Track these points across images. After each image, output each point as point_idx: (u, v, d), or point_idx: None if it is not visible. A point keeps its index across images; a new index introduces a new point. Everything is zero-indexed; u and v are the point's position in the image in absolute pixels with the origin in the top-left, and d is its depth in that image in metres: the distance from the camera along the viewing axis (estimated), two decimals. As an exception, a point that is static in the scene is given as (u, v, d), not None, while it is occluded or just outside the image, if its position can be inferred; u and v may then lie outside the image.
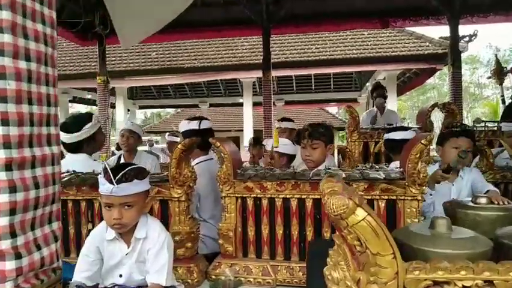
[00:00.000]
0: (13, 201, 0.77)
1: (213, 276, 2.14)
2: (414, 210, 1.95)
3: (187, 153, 2.10)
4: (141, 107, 16.33)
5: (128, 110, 14.53)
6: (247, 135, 8.58)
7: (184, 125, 2.73)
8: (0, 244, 0.75)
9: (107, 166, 1.57)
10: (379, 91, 5.37)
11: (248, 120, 11.65)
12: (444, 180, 2.31)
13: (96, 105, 6.60)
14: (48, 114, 0.84)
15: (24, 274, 0.75)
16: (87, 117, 2.69)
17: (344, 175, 2.02)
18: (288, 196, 2.08)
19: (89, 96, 13.20)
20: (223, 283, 2.02)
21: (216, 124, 18.93)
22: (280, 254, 2.14)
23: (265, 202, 2.12)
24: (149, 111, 31.34)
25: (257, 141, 4.41)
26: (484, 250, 1.01)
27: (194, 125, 2.69)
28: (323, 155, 2.54)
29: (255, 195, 2.12)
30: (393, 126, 4.13)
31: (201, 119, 2.74)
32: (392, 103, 9.77)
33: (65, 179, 2.21)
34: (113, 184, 1.53)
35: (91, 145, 2.64)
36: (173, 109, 21.51)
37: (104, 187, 1.56)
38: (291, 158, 3.01)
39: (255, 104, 11.80)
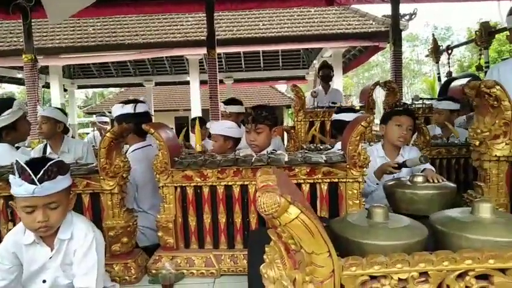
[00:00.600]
0: None
1: (153, 271, 2.02)
2: (356, 192, 1.95)
3: (118, 141, 1.92)
4: (80, 87, 15.26)
5: (65, 90, 13.53)
6: (196, 115, 8.33)
7: (118, 109, 2.51)
8: None
9: (22, 164, 1.36)
10: (325, 71, 5.39)
11: (196, 99, 11.32)
12: (393, 174, 2.33)
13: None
14: None
15: None
16: (8, 102, 2.39)
17: (286, 159, 1.96)
18: (230, 183, 1.99)
19: (19, 75, 12.05)
20: (163, 277, 1.91)
21: (163, 103, 18.40)
22: (224, 243, 2.07)
23: (206, 190, 2.02)
24: (90, 91, 29.50)
25: (201, 122, 4.23)
26: (420, 239, 0.99)
27: (129, 108, 2.47)
28: (268, 139, 2.47)
29: (195, 184, 2.01)
30: (337, 105, 4.17)
31: (136, 102, 2.52)
32: (338, 80, 9.96)
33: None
34: (35, 184, 1.34)
35: (11, 135, 2.36)
36: (117, 88, 20.41)
37: (22, 188, 1.36)
38: (237, 141, 2.90)
39: (202, 82, 11.47)
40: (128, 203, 2.31)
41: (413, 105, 4.16)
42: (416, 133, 2.97)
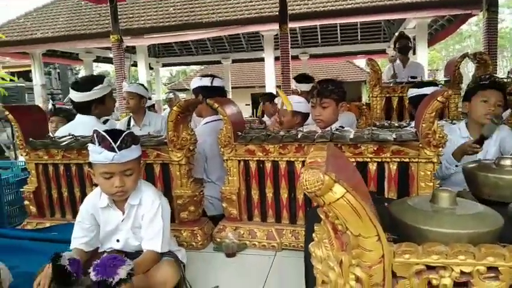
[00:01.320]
0: None
1: (218, 240, 2.11)
2: (429, 173, 1.79)
3: (185, 115, 1.99)
4: (164, 65, 16.19)
5: (151, 68, 14.46)
6: (270, 91, 8.30)
7: (196, 82, 2.62)
8: None
9: (103, 133, 1.48)
10: (402, 41, 4.95)
11: (270, 75, 11.28)
12: (476, 153, 2.09)
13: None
14: None
15: None
16: (99, 78, 2.62)
17: (351, 136, 1.86)
18: (292, 159, 1.97)
19: (111, 55, 13.15)
20: (226, 246, 1.99)
21: (240, 80, 18.74)
22: (286, 218, 2.07)
23: (268, 165, 2.02)
24: (174, 69, 31.22)
25: (270, 97, 4.22)
26: (491, 229, 0.87)
27: (206, 81, 2.57)
28: (334, 114, 2.37)
29: (257, 158, 2.02)
30: (417, 80, 3.84)
31: (213, 76, 2.61)
32: (423, 54, 9.14)
33: (65, 143, 2.18)
34: (115, 151, 1.46)
35: (99, 108, 2.58)
36: (198, 66, 21.25)
37: (102, 155, 1.48)
38: (305, 116, 2.83)
39: (277, 59, 11.40)
40: (197, 173, 2.42)
41: (508, 79, 3.65)
42: (510, 110, 2.62)
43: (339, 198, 0.75)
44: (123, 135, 1.50)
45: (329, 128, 2.07)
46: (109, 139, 1.46)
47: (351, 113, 3.16)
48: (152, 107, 4.22)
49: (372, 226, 0.77)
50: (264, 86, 12.39)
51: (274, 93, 5.11)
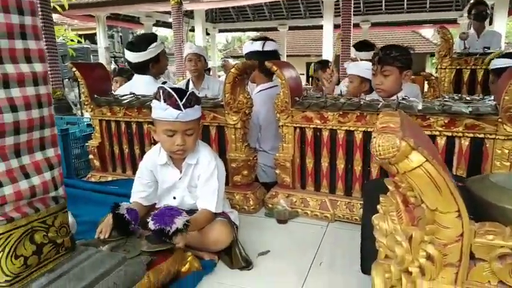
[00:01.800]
0: None
1: (269, 205, 2.10)
2: (507, 152, 1.62)
3: (242, 78, 1.95)
4: (221, 31, 16.19)
5: (208, 34, 14.53)
6: (326, 59, 8.00)
7: (248, 46, 2.54)
8: None
9: (169, 90, 1.49)
10: (478, 7, 4.45)
11: (328, 44, 10.86)
12: None
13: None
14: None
15: (10, 203, 0.70)
16: (152, 37, 2.65)
17: (420, 107, 1.72)
18: (351, 128, 1.87)
19: (170, 20, 13.36)
20: (278, 213, 1.98)
21: (295, 48, 18.28)
22: (341, 189, 2.01)
23: (325, 134, 1.94)
24: (230, 36, 31.16)
25: (325, 64, 4.03)
26: None
27: (257, 46, 2.47)
28: (396, 83, 2.20)
29: (314, 126, 1.94)
30: (493, 51, 3.46)
31: (265, 39, 2.50)
32: (501, 24, 8.25)
33: (126, 101, 2.25)
34: (180, 109, 1.47)
35: (156, 67, 2.63)
36: (254, 33, 21.02)
37: (167, 112, 1.49)
38: (374, 85, 2.67)
39: (336, 26, 10.90)
40: (251, 142, 2.41)
41: None
42: None
43: (417, 167, 0.68)
44: (188, 93, 1.50)
45: (394, 97, 1.93)
46: (175, 96, 1.47)
47: (416, 85, 2.94)
48: (208, 71, 4.24)
49: (453, 201, 0.69)
50: (321, 55, 12.00)
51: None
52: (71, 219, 1.60)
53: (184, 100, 1.47)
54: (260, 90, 2.55)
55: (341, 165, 1.96)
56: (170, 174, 1.68)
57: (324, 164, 2.00)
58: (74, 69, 2.27)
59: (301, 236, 1.84)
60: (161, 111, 1.51)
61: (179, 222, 1.31)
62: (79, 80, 2.31)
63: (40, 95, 0.78)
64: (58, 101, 4.04)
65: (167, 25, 15.11)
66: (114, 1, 10.35)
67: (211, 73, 5.33)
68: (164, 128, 1.55)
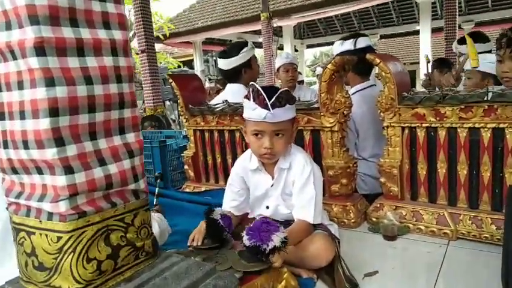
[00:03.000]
0: (52, 98, 0.57)
1: (373, 219, 1.84)
2: None
3: (340, 75, 1.76)
4: (308, 46, 16.15)
5: (296, 50, 14.59)
6: (424, 69, 7.29)
7: (337, 48, 2.33)
8: (44, 153, 0.58)
9: (259, 88, 1.39)
10: None
11: (426, 49, 10.03)
12: None
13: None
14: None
15: (82, 194, 0.59)
16: (243, 43, 2.63)
17: None
18: (477, 125, 1.54)
19: (260, 40, 13.76)
20: (385, 227, 1.71)
21: (389, 58, 17.32)
22: (464, 200, 1.67)
23: (442, 133, 1.63)
24: (318, 51, 31.01)
25: (444, 64, 3.56)
26: None
27: (348, 45, 2.25)
28: (534, 69, 1.78)
29: (427, 125, 1.65)
30: None
31: (356, 36, 2.28)
32: None
33: (219, 109, 2.21)
34: (268, 109, 1.35)
35: (248, 72, 2.58)
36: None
37: (255, 112, 1.38)
38: (496, 82, 2.26)
39: (433, 31, 10.01)
40: (347, 143, 2.18)
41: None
42: None
43: None
44: (278, 92, 1.37)
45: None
46: (264, 95, 1.35)
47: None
48: (301, 83, 4.15)
49: None
50: (417, 62, 11.13)
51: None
52: (164, 223, 1.57)
53: (273, 99, 1.34)
54: (354, 92, 2.31)
55: (463, 171, 1.63)
56: (262, 180, 1.55)
57: (441, 170, 1.68)
58: (170, 80, 2.33)
59: (415, 256, 1.55)
60: (249, 110, 1.41)
61: (276, 239, 1.16)
62: (174, 90, 2.36)
63: (119, 67, 0.67)
64: (162, 117, 4.33)
65: (258, 45, 15.58)
66: (209, 26, 11.08)
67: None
68: (252, 128, 1.44)
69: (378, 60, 1.67)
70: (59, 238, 0.57)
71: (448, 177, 1.68)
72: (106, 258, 0.60)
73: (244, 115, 1.46)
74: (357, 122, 2.22)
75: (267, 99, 1.34)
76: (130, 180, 0.63)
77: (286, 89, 1.44)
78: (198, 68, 12.60)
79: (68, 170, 0.58)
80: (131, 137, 0.65)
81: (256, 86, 1.40)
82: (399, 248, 1.63)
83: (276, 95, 1.35)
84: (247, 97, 1.42)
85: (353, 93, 2.32)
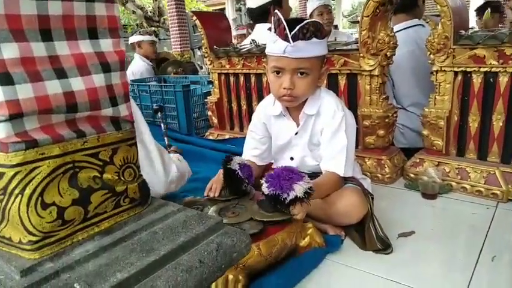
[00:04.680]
0: None
1: (411, 175, 1.67)
2: None
3: (385, 9, 1.50)
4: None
5: (334, -2, 13.68)
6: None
7: None
8: None
9: (280, 16, 1.18)
10: None
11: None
12: None
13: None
14: None
15: (31, 114, 0.43)
16: None
17: None
18: (550, 70, 1.28)
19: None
20: (424, 185, 1.54)
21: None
22: (520, 159, 1.45)
23: (504, 79, 1.39)
24: (356, 1, 29.04)
25: (495, 8, 3.19)
26: None
27: None
28: None
29: (487, 69, 1.40)
30: None
31: None
32: None
33: (245, 49, 2.02)
34: (288, 41, 1.14)
35: (279, 11, 2.34)
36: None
37: (275, 45, 1.19)
38: None
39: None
40: (386, 90, 1.96)
41: None
42: None
43: None
44: (303, 23, 1.14)
45: None
46: (284, 24, 1.14)
47: None
48: (336, 27, 3.82)
49: None
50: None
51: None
52: (183, 164, 1.44)
53: (295, 30, 1.12)
54: (397, 31, 2.01)
55: (524, 124, 1.40)
56: (286, 127, 1.37)
57: (497, 123, 1.46)
58: (194, 17, 2.13)
59: (458, 217, 1.38)
60: (271, 43, 1.21)
61: (298, 189, 1.00)
62: (198, 29, 2.17)
63: None
64: (186, 64, 4.16)
65: (292, -9, 14.72)
66: (241, -31, 10.44)
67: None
68: (271, 64, 1.24)
69: (433, -10, 1.40)
70: (1, 174, 0.42)
71: (505, 131, 1.45)
72: (71, 203, 0.45)
73: (266, 50, 1.26)
74: (396, 64, 1.95)
75: (287, 29, 1.14)
76: (104, 103, 0.46)
77: (315, 20, 1.21)
78: (230, 16, 12.12)
79: (6, 80, 0.41)
80: (106, 45, 0.46)
81: (279, 14, 1.19)
82: (439, 208, 1.46)
83: (300, 25, 1.13)
84: (269, 28, 1.22)
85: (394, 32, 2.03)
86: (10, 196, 0.42)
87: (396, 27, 1.99)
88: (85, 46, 0.46)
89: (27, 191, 0.42)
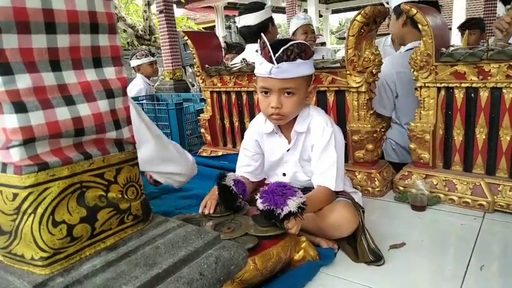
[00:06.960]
0: None
1: (400, 188, 1.71)
2: None
3: (370, 29, 1.57)
4: (334, 12, 15.42)
5: (321, 16, 13.98)
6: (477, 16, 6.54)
7: None
8: None
9: (265, 39, 1.24)
10: None
11: (459, 11, 9.37)
12: None
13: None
14: None
15: (42, 139, 0.46)
16: (261, 4, 2.46)
17: None
18: (526, 85, 1.35)
19: (283, 4, 13.24)
20: (413, 197, 1.58)
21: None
22: (504, 170, 1.51)
23: (484, 94, 1.45)
24: (344, 17, 29.74)
25: (476, 25, 3.31)
26: None
27: None
28: None
29: (468, 85, 1.47)
30: None
31: None
32: None
33: (236, 68, 2.07)
34: (273, 63, 1.20)
35: (272, 30, 2.42)
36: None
37: (261, 67, 1.25)
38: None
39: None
40: (387, 109, 2.02)
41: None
42: None
43: None
44: (288, 44, 1.19)
45: None
46: (268, 47, 1.19)
47: None
48: (323, 44, 3.92)
49: None
50: (449, 28, 10.44)
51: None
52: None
53: (279, 52, 1.18)
54: (410, 49, 1.93)
55: (505, 137, 1.46)
56: (278, 144, 1.42)
57: (480, 136, 1.52)
58: (185, 37, 2.19)
59: (446, 228, 1.42)
60: (258, 65, 1.27)
61: (292, 204, 1.04)
62: (190, 48, 2.22)
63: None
64: (177, 82, 4.21)
65: (281, 10, 15.04)
66: (231, -12, 10.67)
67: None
68: (259, 84, 1.30)
69: (414, 11, 1.47)
70: (15, 195, 0.45)
71: (488, 143, 1.51)
72: (79, 221, 0.48)
73: (255, 71, 1.32)
74: (401, 81, 1.95)
75: (271, 52, 1.19)
76: (108, 127, 0.50)
77: (300, 41, 1.27)
78: (220, 33, 12.30)
79: (20, 108, 0.44)
80: (110, 72, 0.51)
81: (264, 37, 1.25)
82: (428, 220, 1.50)
83: (284, 47, 1.18)
84: (257, 50, 1.28)
85: (406, 50, 2.00)
86: (23, 215, 0.44)
87: (412, 44, 1.93)
88: (90, 74, 0.49)
89: (40, 210, 0.44)
